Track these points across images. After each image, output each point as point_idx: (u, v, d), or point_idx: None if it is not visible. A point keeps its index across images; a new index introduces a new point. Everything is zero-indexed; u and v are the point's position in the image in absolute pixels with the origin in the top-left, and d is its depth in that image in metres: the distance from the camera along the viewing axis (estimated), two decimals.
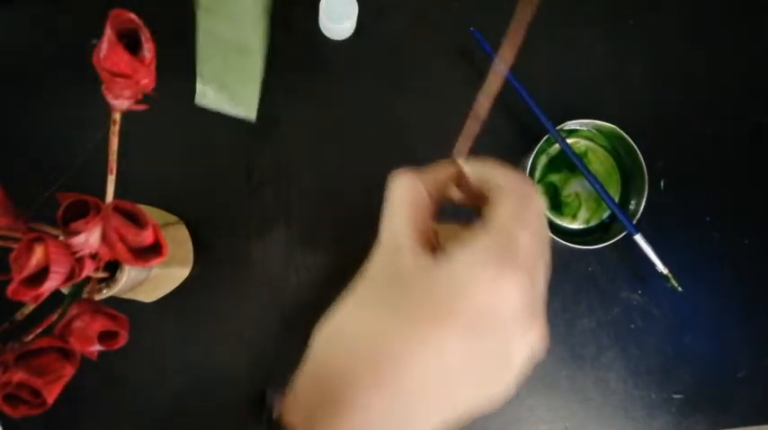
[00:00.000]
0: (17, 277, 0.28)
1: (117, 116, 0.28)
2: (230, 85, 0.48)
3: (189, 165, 0.53)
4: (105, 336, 0.33)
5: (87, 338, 0.32)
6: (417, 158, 0.54)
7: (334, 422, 0.24)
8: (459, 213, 0.31)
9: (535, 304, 0.25)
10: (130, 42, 0.25)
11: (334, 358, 0.25)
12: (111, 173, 0.30)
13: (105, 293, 0.42)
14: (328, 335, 0.27)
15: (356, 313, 0.26)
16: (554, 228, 0.52)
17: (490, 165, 0.29)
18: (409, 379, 0.23)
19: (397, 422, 0.24)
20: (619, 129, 0.49)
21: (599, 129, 0.51)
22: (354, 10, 0.51)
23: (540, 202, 0.27)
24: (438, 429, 0.25)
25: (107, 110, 0.27)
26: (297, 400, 0.26)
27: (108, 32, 0.24)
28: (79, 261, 0.30)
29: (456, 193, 0.30)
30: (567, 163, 0.52)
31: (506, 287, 0.24)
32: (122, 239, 0.29)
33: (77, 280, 0.30)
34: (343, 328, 0.26)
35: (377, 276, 0.26)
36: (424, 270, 0.25)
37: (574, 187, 0.53)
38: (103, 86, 0.26)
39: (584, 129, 0.52)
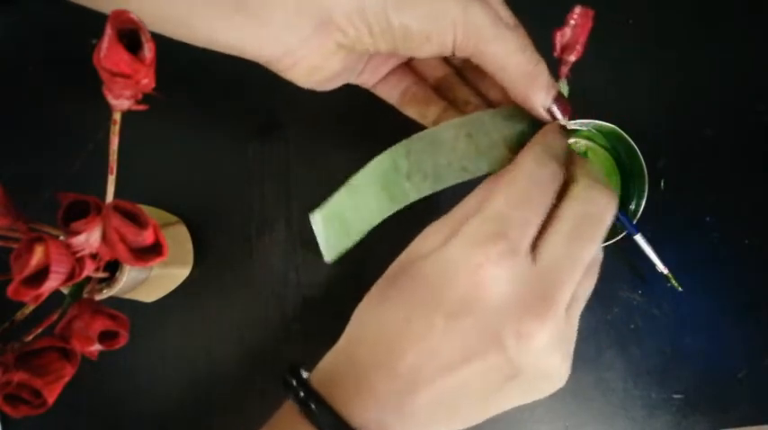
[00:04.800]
0: (17, 277, 0.28)
1: (117, 116, 0.28)
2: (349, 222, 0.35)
3: (189, 165, 0.53)
4: (105, 336, 0.33)
5: (87, 338, 0.32)
6: None
7: (348, 398, 0.25)
8: None
9: (538, 292, 0.23)
10: (131, 42, 0.25)
11: (356, 344, 0.26)
12: (112, 173, 0.30)
13: (105, 293, 0.42)
14: (355, 321, 0.28)
15: (373, 300, 0.27)
16: None
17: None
18: (407, 369, 0.24)
19: (398, 409, 0.24)
20: (619, 129, 0.49)
21: (599, 130, 0.51)
22: None
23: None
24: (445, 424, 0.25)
25: (107, 110, 0.27)
26: (324, 371, 0.27)
27: (108, 32, 0.24)
28: (79, 261, 0.30)
29: None
30: None
31: (489, 275, 0.23)
32: (122, 239, 0.29)
33: (77, 280, 0.30)
34: (362, 316, 0.27)
35: (401, 259, 0.27)
36: (428, 256, 0.25)
37: None
38: (103, 86, 0.26)
39: (585, 129, 0.52)
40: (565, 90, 0.31)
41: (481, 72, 0.30)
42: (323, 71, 0.30)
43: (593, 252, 0.25)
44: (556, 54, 0.32)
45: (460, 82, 0.33)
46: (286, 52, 0.28)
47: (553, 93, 0.29)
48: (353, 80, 0.33)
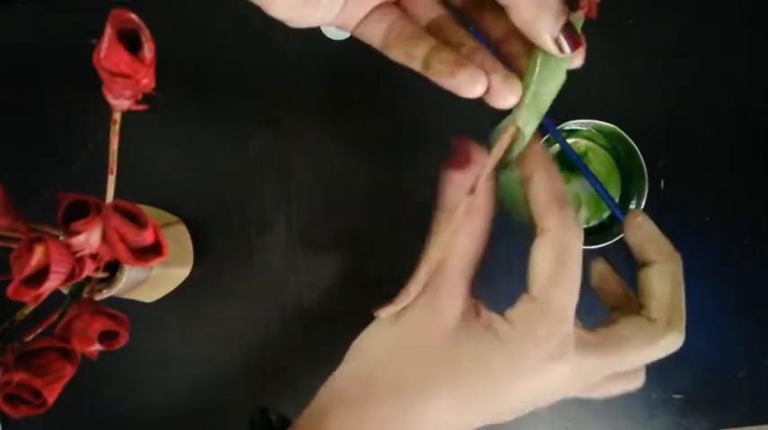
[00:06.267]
0: (17, 277, 0.28)
1: (117, 116, 0.28)
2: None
3: (189, 165, 0.53)
4: (105, 336, 0.33)
5: (87, 338, 0.32)
6: (418, 156, 0.54)
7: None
8: None
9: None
10: (131, 42, 0.25)
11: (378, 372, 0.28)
12: (112, 173, 0.30)
13: (105, 293, 0.42)
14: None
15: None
16: None
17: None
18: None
19: None
20: (619, 129, 0.49)
21: (599, 130, 0.51)
22: None
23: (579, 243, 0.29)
24: None
25: (107, 110, 0.27)
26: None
27: (108, 32, 0.24)
28: (79, 261, 0.30)
29: None
30: (568, 163, 0.52)
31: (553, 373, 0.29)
32: (122, 239, 0.29)
33: (77, 280, 0.30)
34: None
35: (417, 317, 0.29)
36: (475, 334, 0.28)
37: (574, 187, 0.53)
38: (103, 86, 0.26)
39: (584, 129, 0.52)
40: (578, 26, 0.28)
41: (482, 13, 0.29)
42: (307, 4, 0.27)
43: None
44: None
45: (455, 24, 0.31)
46: None
47: (563, 19, 0.26)
48: (334, 21, 0.30)
